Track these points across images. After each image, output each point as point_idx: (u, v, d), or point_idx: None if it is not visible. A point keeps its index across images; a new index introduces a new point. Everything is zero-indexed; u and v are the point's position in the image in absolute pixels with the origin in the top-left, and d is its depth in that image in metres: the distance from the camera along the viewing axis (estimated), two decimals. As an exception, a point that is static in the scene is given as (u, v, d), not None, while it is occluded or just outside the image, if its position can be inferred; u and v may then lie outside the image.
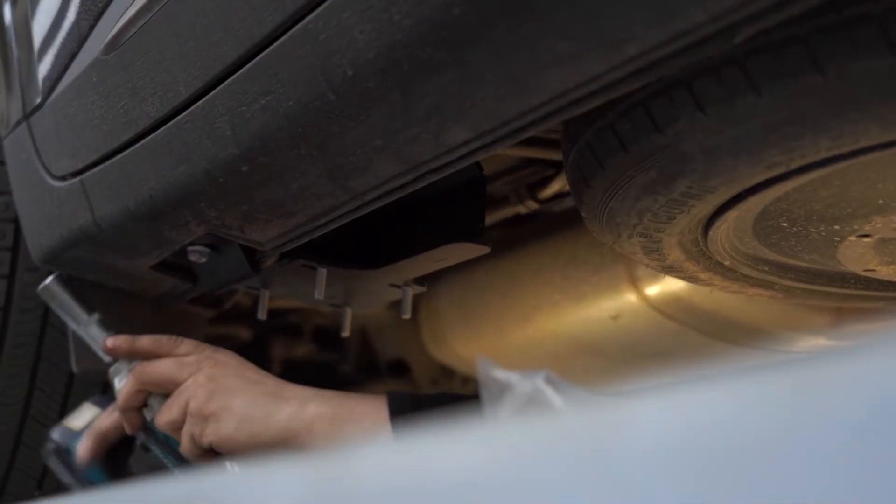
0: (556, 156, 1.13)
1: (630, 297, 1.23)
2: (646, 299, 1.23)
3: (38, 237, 1.12)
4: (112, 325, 1.15)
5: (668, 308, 1.22)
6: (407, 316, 1.07)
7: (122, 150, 0.94)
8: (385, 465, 0.30)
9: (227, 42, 0.78)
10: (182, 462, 0.97)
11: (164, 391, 0.96)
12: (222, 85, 0.80)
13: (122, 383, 1.00)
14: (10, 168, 1.16)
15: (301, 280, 1.05)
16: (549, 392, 0.58)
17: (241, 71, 0.78)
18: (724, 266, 0.94)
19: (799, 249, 0.91)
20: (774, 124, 0.66)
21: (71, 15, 1.01)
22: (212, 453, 0.92)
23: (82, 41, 0.99)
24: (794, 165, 0.71)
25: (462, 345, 1.51)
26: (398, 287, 1.07)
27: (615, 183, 0.78)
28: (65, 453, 1.09)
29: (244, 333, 1.73)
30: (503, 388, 0.60)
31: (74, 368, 1.16)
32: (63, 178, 1.04)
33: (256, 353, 1.79)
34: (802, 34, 0.62)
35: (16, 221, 1.24)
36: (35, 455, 1.32)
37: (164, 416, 0.94)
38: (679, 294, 1.19)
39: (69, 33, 1.01)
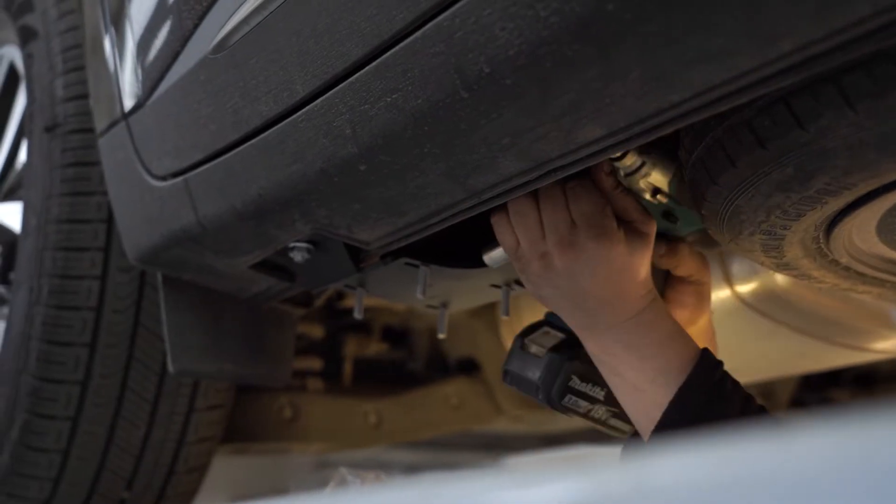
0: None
1: (723, 293, 1.21)
2: (739, 295, 1.21)
3: (136, 237, 1.12)
4: (204, 324, 1.15)
5: (762, 304, 1.20)
6: (506, 317, 1.06)
7: (231, 149, 0.94)
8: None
9: (351, 40, 0.77)
10: None
11: None
12: (344, 83, 0.80)
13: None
14: (106, 168, 1.16)
15: (400, 279, 1.04)
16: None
17: (367, 69, 0.77)
18: (839, 264, 0.92)
19: (922, 246, 0.89)
20: (926, 119, 0.65)
21: (172, 14, 1.01)
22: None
23: (186, 40, 0.98)
24: (939, 161, 0.70)
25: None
26: (498, 287, 1.06)
27: (746, 180, 0.76)
28: None
29: (317, 331, 1.73)
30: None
31: (171, 369, 1.16)
32: (164, 178, 1.04)
33: (328, 350, 1.79)
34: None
35: (108, 222, 1.24)
36: (125, 455, 1.32)
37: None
38: (774, 290, 1.18)
39: (171, 33, 1.01)
